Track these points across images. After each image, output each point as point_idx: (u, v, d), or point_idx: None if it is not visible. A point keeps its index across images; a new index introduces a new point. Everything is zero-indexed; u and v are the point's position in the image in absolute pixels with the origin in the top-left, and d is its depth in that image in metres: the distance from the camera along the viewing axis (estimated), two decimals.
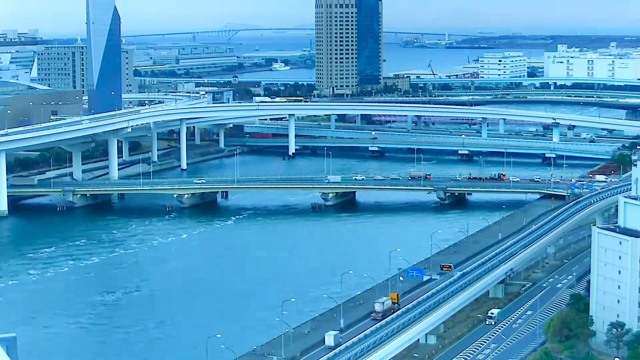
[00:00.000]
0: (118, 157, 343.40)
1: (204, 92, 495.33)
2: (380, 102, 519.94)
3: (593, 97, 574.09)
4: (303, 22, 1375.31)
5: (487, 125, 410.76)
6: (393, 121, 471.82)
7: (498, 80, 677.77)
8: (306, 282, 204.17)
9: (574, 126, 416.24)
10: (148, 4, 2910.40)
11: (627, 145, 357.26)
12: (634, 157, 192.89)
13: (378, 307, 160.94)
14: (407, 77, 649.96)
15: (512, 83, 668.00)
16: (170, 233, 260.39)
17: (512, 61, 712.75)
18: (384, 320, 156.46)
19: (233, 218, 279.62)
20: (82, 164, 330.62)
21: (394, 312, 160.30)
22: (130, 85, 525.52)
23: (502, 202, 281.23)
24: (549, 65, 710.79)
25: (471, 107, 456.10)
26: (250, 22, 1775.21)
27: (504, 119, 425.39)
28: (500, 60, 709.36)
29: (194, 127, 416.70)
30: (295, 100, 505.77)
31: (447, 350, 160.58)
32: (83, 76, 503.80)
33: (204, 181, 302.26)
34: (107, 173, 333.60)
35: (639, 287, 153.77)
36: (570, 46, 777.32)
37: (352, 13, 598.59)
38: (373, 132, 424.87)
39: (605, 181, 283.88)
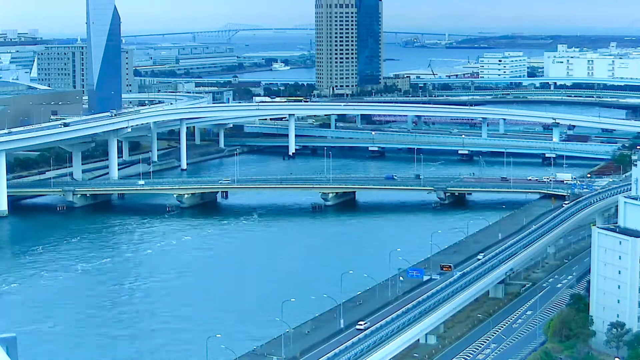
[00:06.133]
0: (118, 157, 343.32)
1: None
2: (380, 102, 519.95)
3: (593, 97, 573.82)
4: (303, 22, 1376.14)
5: (487, 125, 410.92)
6: (393, 121, 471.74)
7: (498, 80, 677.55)
8: (306, 282, 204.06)
9: (574, 126, 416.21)
10: (148, 4, 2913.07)
11: (627, 145, 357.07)
12: (634, 157, 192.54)
13: None
14: (407, 77, 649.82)
15: (512, 83, 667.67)
16: (170, 233, 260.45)
17: (512, 61, 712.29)
18: None
19: (242, 219, 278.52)
20: (82, 164, 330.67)
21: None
22: (130, 85, 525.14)
23: (502, 202, 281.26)
24: (549, 65, 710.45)
25: (471, 107, 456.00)
26: (250, 22, 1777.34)
27: (504, 119, 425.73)
28: (500, 60, 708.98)
29: (194, 127, 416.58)
30: (295, 100, 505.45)
31: (447, 350, 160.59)
32: (83, 76, 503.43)
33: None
34: (107, 173, 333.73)
35: (639, 287, 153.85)
36: (570, 46, 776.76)
37: (352, 13, 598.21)
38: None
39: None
